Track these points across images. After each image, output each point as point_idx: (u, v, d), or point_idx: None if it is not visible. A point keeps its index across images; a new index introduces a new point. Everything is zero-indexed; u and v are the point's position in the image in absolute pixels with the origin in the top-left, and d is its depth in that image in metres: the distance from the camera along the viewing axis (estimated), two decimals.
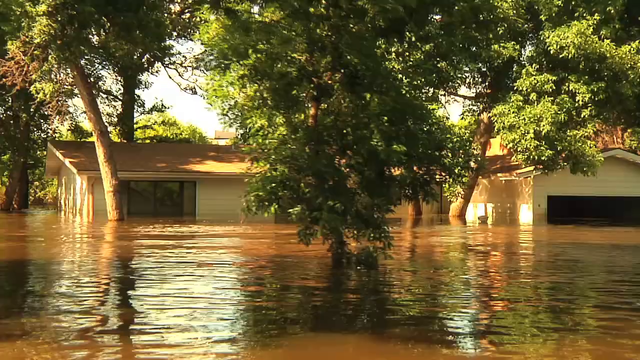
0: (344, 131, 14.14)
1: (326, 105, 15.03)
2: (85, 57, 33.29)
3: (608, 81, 30.13)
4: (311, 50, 14.24)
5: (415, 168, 14.73)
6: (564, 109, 30.02)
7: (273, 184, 13.60)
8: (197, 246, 21.18)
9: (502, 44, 30.07)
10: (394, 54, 16.49)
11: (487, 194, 45.88)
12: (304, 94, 14.91)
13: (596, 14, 29.30)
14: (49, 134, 53.46)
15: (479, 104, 36.35)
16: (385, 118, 13.57)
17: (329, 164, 13.44)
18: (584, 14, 29.66)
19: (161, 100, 78.78)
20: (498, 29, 30.54)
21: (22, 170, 52.69)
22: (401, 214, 44.27)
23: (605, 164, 41.18)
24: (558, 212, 42.73)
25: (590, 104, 30.47)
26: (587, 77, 30.22)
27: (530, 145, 29.09)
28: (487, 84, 35.13)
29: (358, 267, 14.30)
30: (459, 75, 30.23)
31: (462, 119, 43.49)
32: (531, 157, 29.73)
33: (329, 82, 14.54)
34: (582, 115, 30.33)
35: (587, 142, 30.54)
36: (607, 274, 15.46)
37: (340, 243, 14.11)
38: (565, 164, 31.40)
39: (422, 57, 18.29)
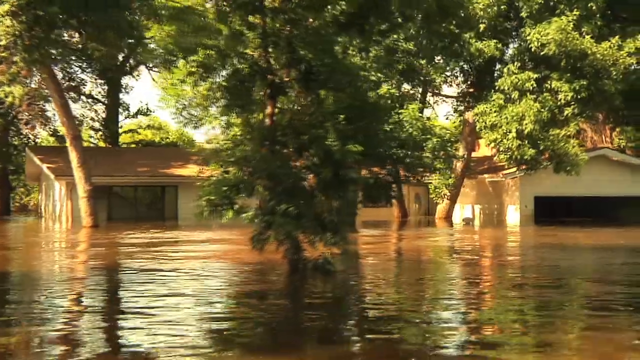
0: (300, 131, 13.32)
1: (283, 103, 14.25)
2: (59, 59, 32.13)
3: (590, 78, 29.28)
4: (265, 45, 13.44)
5: (376, 169, 13.89)
6: (547, 108, 29.20)
7: (225, 188, 12.80)
8: (163, 254, 20.12)
9: (484, 42, 29.21)
10: (354, 49, 15.62)
11: (474, 195, 45.13)
12: (262, 92, 14.13)
13: (576, 10, 28.47)
14: (29, 139, 52.54)
15: (463, 103, 35.45)
16: (342, 116, 12.75)
17: (283, 165, 12.64)
18: (565, 11, 28.83)
19: (146, 104, 77.27)
20: (479, 25, 29.81)
21: (2, 176, 51.72)
22: (387, 216, 43.52)
23: (593, 163, 40.58)
24: (546, 212, 42.04)
25: (573, 102, 29.65)
26: (569, 74, 29.38)
27: (512, 145, 28.21)
28: (469, 83, 34.30)
29: (316, 275, 13.43)
30: (441, 75, 29.30)
31: (447, 119, 42.71)
32: (513, 156, 28.82)
33: (286, 79, 13.74)
34: (565, 114, 29.47)
35: (570, 141, 29.72)
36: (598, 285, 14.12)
37: (296, 249, 13.28)
38: (549, 163, 30.56)
39: (382, 52, 17.42)
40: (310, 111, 13.23)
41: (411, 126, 28.33)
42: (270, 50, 13.57)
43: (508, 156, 28.95)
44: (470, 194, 45.15)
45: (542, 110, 28.89)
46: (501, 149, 28.81)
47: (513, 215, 40.85)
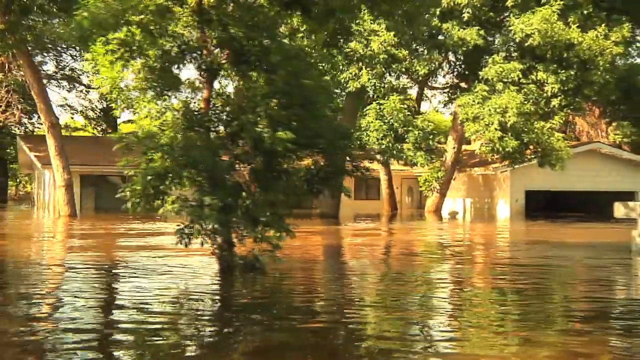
0: (232, 116, 11.99)
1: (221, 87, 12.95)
2: (32, 45, 30.93)
3: (577, 69, 27.76)
4: (197, 23, 12.10)
5: (318, 158, 12.51)
6: (531, 99, 27.71)
7: (150, 177, 11.48)
8: (107, 246, 18.83)
9: (465, 30, 27.71)
10: (304, 33, 14.26)
11: (466, 189, 43.66)
12: (198, 74, 12.83)
13: (560, 2, 26.94)
14: (22, 127, 51.62)
15: (450, 95, 33.94)
16: (275, 101, 11.39)
17: (208, 154, 11.28)
18: (550, 0, 27.30)
19: None
20: (462, 15, 28.34)
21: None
22: (377, 209, 42.20)
23: (585, 158, 39.46)
24: (537, 207, 40.81)
25: (560, 94, 28.16)
26: (555, 65, 27.87)
27: (494, 137, 26.67)
28: (455, 74, 32.78)
29: (246, 273, 12.10)
30: (425, 66, 27.78)
31: (436, 111, 41.25)
32: (495, 148, 27.30)
33: (223, 61, 12.42)
34: (551, 106, 27.96)
35: (555, 134, 28.21)
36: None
37: (226, 244, 11.96)
38: (533, 157, 29.07)
39: (326, 34, 16.01)
40: (243, 95, 11.85)
41: (392, 117, 26.89)
42: (205, 28, 12.22)
43: (490, 148, 27.38)
44: (461, 187, 43.71)
45: (526, 102, 27.35)
46: (482, 141, 27.24)
47: (503, 209, 39.48)
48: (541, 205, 42.17)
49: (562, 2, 27.03)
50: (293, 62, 11.94)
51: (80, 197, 39.91)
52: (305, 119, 11.65)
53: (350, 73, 27.53)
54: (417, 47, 28.14)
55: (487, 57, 29.55)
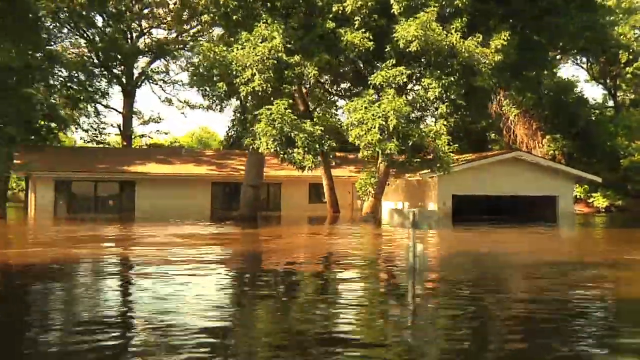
0: None
1: None
2: None
3: (461, 75, 26.13)
4: None
5: None
6: (417, 104, 26.14)
7: None
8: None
9: (353, 34, 26.32)
10: None
11: (404, 193, 41.89)
12: None
13: (434, 6, 25.44)
14: None
15: (345, 99, 32.43)
16: None
17: None
18: (430, 6, 25.80)
19: (158, 113, 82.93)
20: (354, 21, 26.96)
21: None
22: (323, 212, 40.74)
23: (509, 165, 37.79)
24: (465, 211, 38.97)
25: (447, 100, 26.54)
26: (439, 71, 26.23)
27: (373, 139, 25.04)
28: (350, 80, 31.29)
29: None
30: (314, 68, 26.36)
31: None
32: (375, 151, 25.66)
33: None
34: (438, 111, 26.33)
35: (443, 138, 26.47)
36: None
37: None
38: (417, 160, 27.38)
39: None
40: None
41: (281, 121, 25.55)
42: None
43: (370, 152, 25.71)
44: (398, 191, 42.01)
45: (410, 105, 25.82)
46: (362, 144, 25.61)
47: None
48: (468, 209, 40.62)
49: (435, 9, 25.36)
50: None
51: (55, 203, 39.52)
52: None
53: (243, 78, 26.31)
54: (311, 49, 26.67)
55: (379, 63, 28.01)
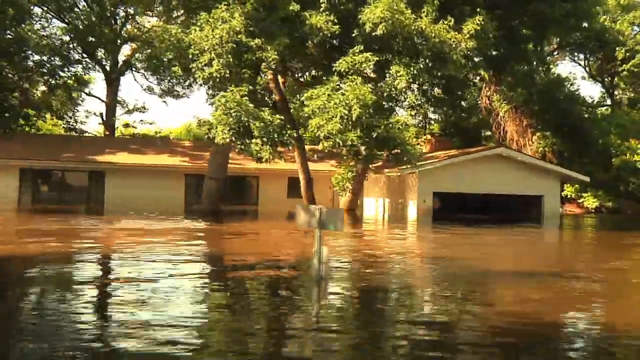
0: None
1: None
2: None
3: (431, 62, 23.92)
4: None
5: None
6: (385, 93, 23.96)
7: None
8: None
9: (317, 17, 24.13)
10: None
11: (384, 189, 39.81)
12: None
13: None
14: None
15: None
16: None
17: None
18: None
19: (143, 103, 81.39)
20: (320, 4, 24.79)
21: None
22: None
23: (491, 162, 35.78)
24: (447, 208, 36.92)
25: (417, 90, 24.36)
26: (407, 58, 24.02)
27: (333, 129, 22.81)
28: (314, 66, 29.04)
29: None
30: (274, 52, 24.14)
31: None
32: (335, 142, 23.44)
33: None
34: (406, 101, 24.19)
35: (411, 129, 24.28)
36: None
37: None
38: (381, 153, 25.18)
39: None
40: None
41: (238, 110, 23.37)
42: None
43: (331, 143, 23.52)
44: (378, 187, 39.90)
45: (375, 95, 23.62)
46: (322, 135, 23.41)
47: (412, 211, 35.53)
48: (450, 207, 38.63)
49: None
50: None
51: (20, 191, 37.58)
52: None
53: (200, 62, 24.15)
54: (272, 30, 24.40)
55: (347, 47, 25.77)
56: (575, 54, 59.07)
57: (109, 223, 23.79)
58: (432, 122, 57.75)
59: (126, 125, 62.53)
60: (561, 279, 12.49)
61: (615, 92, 60.79)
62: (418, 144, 25.67)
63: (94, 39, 46.68)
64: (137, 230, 20.51)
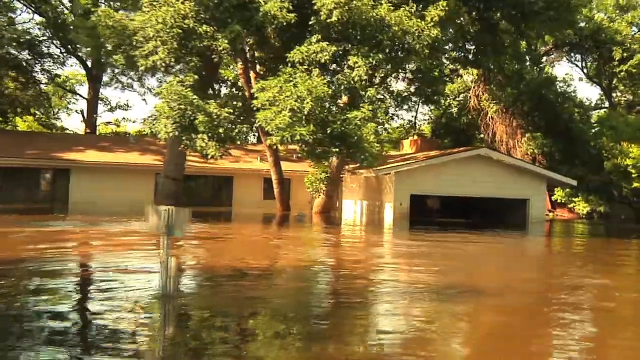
0: None
1: None
2: None
3: (391, 52, 21.73)
4: None
5: None
6: (342, 86, 21.82)
7: None
8: None
9: (269, 4, 21.97)
10: None
11: (362, 191, 37.62)
12: None
13: None
14: None
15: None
16: None
17: None
18: None
19: (126, 101, 79.68)
20: None
21: None
22: (272, 209, 36.53)
23: (472, 163, 33.51)
24: (425, 211, 34.85)
25: (377, 83, 22.18)
26: (366, 48, 21.83)
27: (282, 123, 20.62)
28: (270, 56, 26.85)
29: None
30: (227, 42, 22.03)
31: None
32: (284, 137, 21.19)
33: None
34: (366, 94, 22.00)
35: (369, 125, 22.01)
36: None
37: None
38: (336, 150, 22.94)
39: None
40: None
41: (182, 102, 21.30)
42: None
43: (279, 138, 21.26)
44: (356, 189, 37.72)
45: (330, 87, 21.45)
46: (269, 129, 21.25)
47: (389, 213, 33.35)
48: (428, 210, 36.55)
49: None
50: None
51: None
52: None
53: (144, 50, 22.11)
54: (224, 18, 22.25)
55: (308, 36, 23.56)
56: (572, 54, 56.86)
57: (57, 225, 21.51)
58: (424, 122, 55.71)
59: (108, 123, 60.84)
60: (479, 295, 10.27)
61: (614, 95, 58.46)
62: (379, 142, 23.38)
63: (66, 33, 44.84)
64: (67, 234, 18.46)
